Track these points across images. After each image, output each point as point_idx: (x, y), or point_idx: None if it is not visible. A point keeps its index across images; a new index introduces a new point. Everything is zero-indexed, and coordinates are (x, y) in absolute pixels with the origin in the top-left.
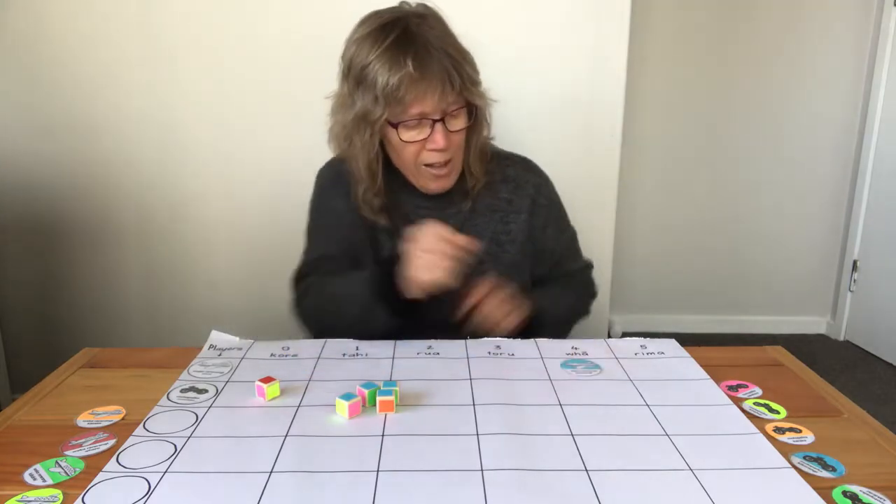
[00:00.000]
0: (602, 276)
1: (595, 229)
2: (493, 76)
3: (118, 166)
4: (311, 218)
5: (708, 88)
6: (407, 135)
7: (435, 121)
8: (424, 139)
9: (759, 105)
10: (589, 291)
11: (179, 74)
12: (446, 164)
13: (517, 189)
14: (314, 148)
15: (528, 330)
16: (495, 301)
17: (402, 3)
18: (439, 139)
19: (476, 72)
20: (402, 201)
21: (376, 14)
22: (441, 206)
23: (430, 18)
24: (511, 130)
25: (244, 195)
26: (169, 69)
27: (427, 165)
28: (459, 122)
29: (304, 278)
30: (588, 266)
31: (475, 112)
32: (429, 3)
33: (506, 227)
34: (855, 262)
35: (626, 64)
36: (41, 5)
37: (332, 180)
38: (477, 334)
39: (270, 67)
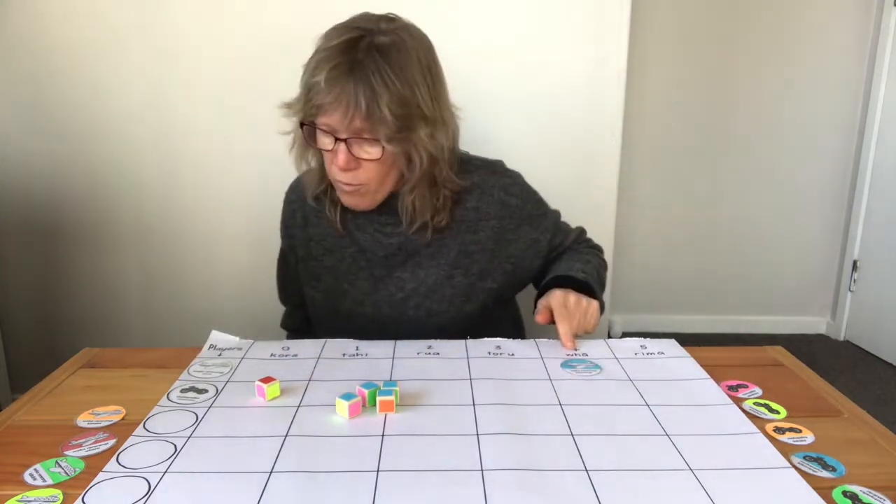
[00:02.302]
0: None
1: (595, 229)
2: (493, 76)
3: (118, 167)
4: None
5: (708, 88)
6: (318, 138)
7: (338, 139)
8: (332, 152)
9: (759, 105)
10: (594, 246)
11: (179, 76)
12: (357, 186)
13: (483, 195)
14: None
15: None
16: (566, 313)
17: (387, 17)
18: (338, 159)
19: (407, 117)
20: (361, 216)
21: (357, 20)
22: (402, 225)
23: (393, 46)
24: (510, 131)
25: (244, 195)
26: (169, 70)
27: (337, 181)
28: (371, 151)
29: (284, 301)
30: (581, 230)
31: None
32: (414, 26)
33: (474, 237)
34: (855, 262)
35: (626, 64)
36: (41, 5)
37: (288, 197)
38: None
39: (270, 69)
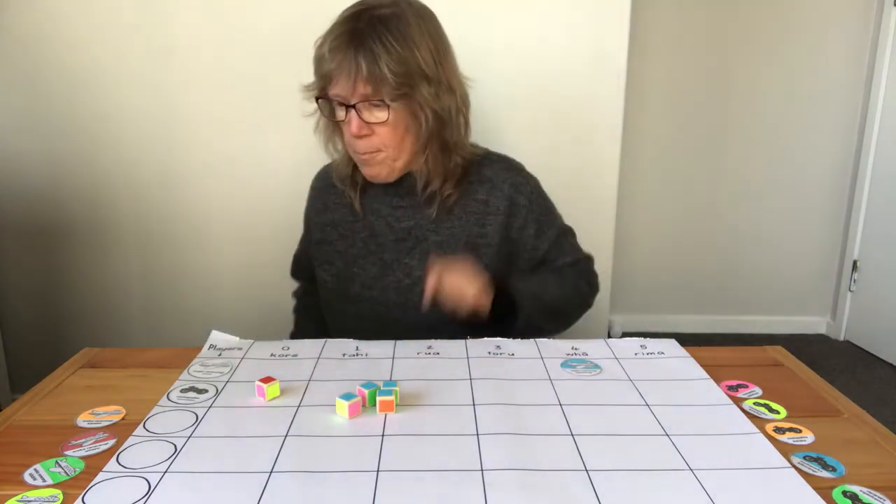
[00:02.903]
0: (602, 276)
1: (595, 229)
2: (493, 76)
3: (118, 167)
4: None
5: (708, 88)
6: (329, 113)
7: (348, 106)
8: (346, 122)
9: (759, 105)
10: (587, 280)
11: (179, 75)
12: (374, 153)
13: (493, 189)
14: (314, 148)
15: (508, 311)
16: (453, 275)
17: None
18: (352, 124)
19: (408, 75)
20: (378, 198)
21: (362, 1)
22: (414, 207)
23: (393, 15)
24: (511, 130)
25: (244, 195)
26: (169, 69)
27: (355, 152)
28: (379, 115)
29: (294, 276)
30: (587, 258)
31: (392, 110)
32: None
33: (482, 230)
34: (855, 262)
35: (626, 63)
36: (41, 5)
37: (313, 184)
38: (448, 314)
39: (271, 66)
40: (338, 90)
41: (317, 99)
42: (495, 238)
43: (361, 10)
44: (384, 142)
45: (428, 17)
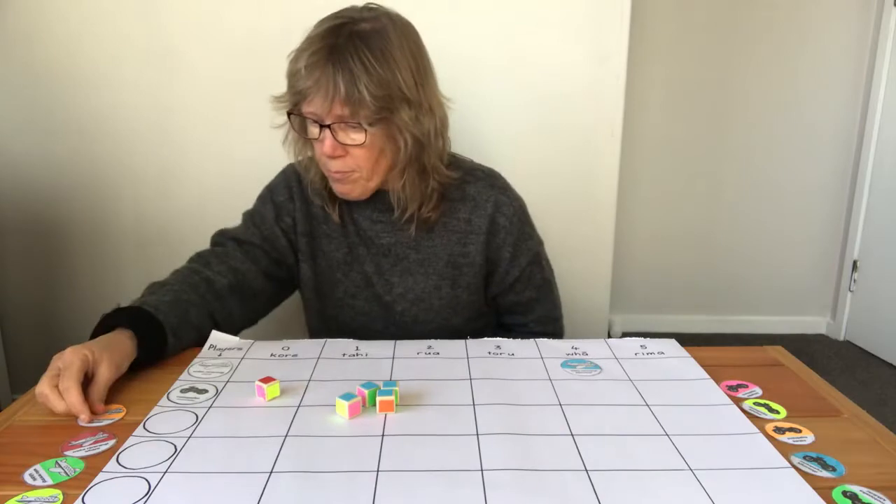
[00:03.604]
0: (602, 276)
1: (595, 229)
2: (492, 76)
3: (118, 166)
4: (257, 200)
5: (708, 88)
6: (304, 130)
7: (322, 126)
8: (319, 140)
9: (759, 105)
10: (550, 333)
11: (179, 75)
12: (348, 173)
13: (476, 208)
14: None
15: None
16: None
17: (369, 6)
18: (325, 145)
19: (388, 98)
20: (358, 210)
21: (341, 11)
22: (394, 223)
23: (374, 32)
24: (510, 131)
25: (244, 195)
26: (168, 69)
27: (328, 170)
28: (355, 137)
29: (213, 243)
30: (552, 309)
31: (369, 133)
32: (398, 15)
33: (464, 249)
34: (855, 262)
35: (626, 63)
36: (41, 5)
37: (291, 176)
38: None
39: (270, 69)
40: (313, 108)
41: (289, 114)
42: (477, 258)
43: (341, 24)
44: (358, 163)
45: (410, 34)
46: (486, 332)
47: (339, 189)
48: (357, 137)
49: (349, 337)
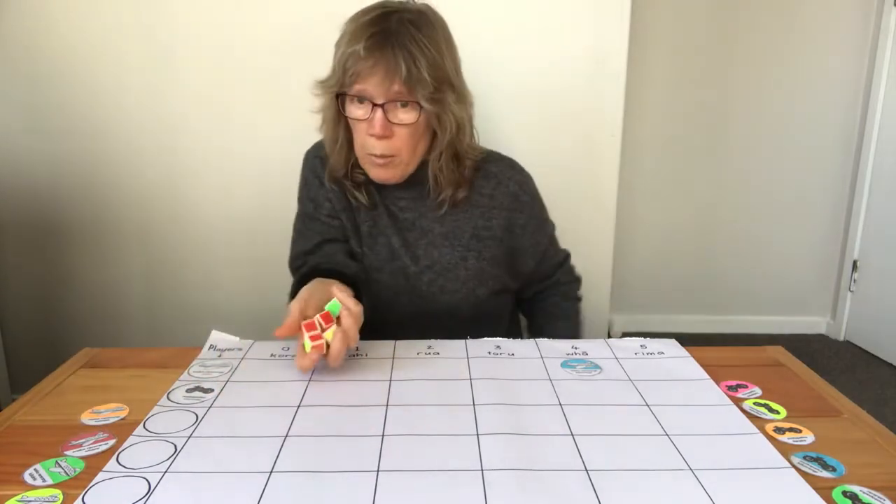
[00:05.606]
0: (602, 276)
1: (595, 229)
2: (493, 76)
3: (118, 166)
4: (298, 205)
5: (708, 89)
6: (351, 110)
7: (375, 105)
8: (367, 121)
9: (759, 105)
10: (575, 285)
11: (179, 74)
12: (390, 157)
13: (499, 185)
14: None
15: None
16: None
17: (409, 0)
18: (376, 124)
19: (440, 80)
20: (382, 189)
21: (380, 3)
22: (419, 198)
23: (421, 19)
24: (511, 131)
25: (245, 194)
26: (168, 68)
27: (369, 154)
28: (405, 117)
29: (294, 272)
30: (567, 256)
31: (423, 113)
32: (434, 7)
33: (487, 223)
34: (855, 262)
35: (626, 65)
36: (41, 6)
37: (311, 165)
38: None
39: (271, 65)
40: (368, 87)
41: (337, 95)
42: (499, 231)
43: (390, 12)
44: (402, 144)
45: (444, 25)
46: (504, 311)
47: (380, 174)
48: (407, 117)
49: (371, 312)
